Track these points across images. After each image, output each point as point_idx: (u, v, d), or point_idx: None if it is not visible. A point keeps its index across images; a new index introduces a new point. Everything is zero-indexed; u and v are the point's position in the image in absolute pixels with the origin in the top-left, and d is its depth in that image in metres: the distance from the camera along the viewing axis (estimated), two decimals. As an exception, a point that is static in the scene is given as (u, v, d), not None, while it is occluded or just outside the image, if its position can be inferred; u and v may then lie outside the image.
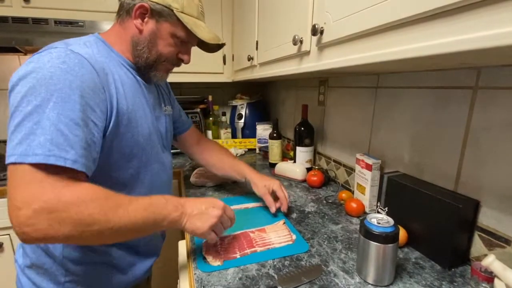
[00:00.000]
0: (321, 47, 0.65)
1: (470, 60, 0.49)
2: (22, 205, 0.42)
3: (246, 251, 0.66)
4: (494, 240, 0.58)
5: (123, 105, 0.59)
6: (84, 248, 0.61)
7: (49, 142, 0.44)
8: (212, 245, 0.68)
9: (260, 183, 0.86)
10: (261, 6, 1.11)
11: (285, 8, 0.85)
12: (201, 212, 0.58)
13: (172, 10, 0.63)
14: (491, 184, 0.59)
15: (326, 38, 0.62)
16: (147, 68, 0.67)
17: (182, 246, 0.74)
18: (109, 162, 0.58)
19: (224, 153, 0.98)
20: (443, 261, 0.62)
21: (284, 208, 0.84)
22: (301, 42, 0.72)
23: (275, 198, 0.86)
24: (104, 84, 0.55)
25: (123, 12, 0.64)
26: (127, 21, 0.64)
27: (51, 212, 0.42)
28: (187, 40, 0.68)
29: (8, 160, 0.44)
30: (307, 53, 0.72)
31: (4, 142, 1.63)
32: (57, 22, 1.27)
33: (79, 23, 1.30)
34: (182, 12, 0.64)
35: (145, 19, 0.63)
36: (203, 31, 0.67)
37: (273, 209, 0.83)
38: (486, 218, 0.60)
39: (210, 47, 0.74)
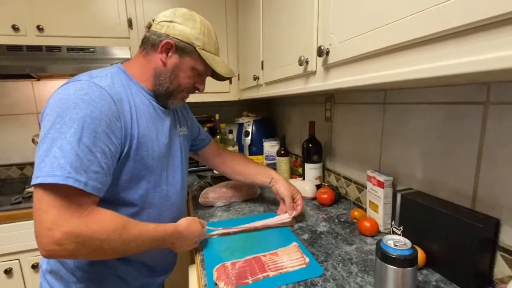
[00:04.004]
0: (327, 67, 0.66)
1: (480, 78, 0.48)
2: (52, 226, 0.48)
3: (258, 276, 0.64)
4: (519, 261, 0.55)
5: (134, 131, 0.65)
6: (95, 261, 0.66)
7: (69, 165, 0.50)
8: (223, 271, 0.66)
9: (286, 186, 0.93)
10: (265, 27, 1.14)
11: (290, 29, 0.87)
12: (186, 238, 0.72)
13: (195, 48, 0.71)
14: (510, 202, 0.57)
15: (332, 59, 0.62)
16: (166, 96, 0.74)
17: (193, 272, 0.73)
18: (118, 183, 0.64)
19: (249, 161, 1.06)
20: (466, 283, 0.59)
21: (296, 213, 0.91)
22: (307, 62, 0.73)
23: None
24: (120, 112, 0.61)
25: (148, 46, 0.71)
26: (152, 54, 0.71)
27: (78, 236, 0.49)
28: (204, 73, 0.76)
29: (33, 181, 0.49)
30: (313, 73, 0.72)
31: (17, 165, 1.66)
32: (70, 49, 1.32)
33: (90, 49, 1.35)
34: (203, 49, 0.72)
35: (169, 54, 0.70)
36: (220, 65, 0.76)
37: (290, 212, 0.90)
38: (508, 237, 0.57)
39: (221, 78, 0.82)
